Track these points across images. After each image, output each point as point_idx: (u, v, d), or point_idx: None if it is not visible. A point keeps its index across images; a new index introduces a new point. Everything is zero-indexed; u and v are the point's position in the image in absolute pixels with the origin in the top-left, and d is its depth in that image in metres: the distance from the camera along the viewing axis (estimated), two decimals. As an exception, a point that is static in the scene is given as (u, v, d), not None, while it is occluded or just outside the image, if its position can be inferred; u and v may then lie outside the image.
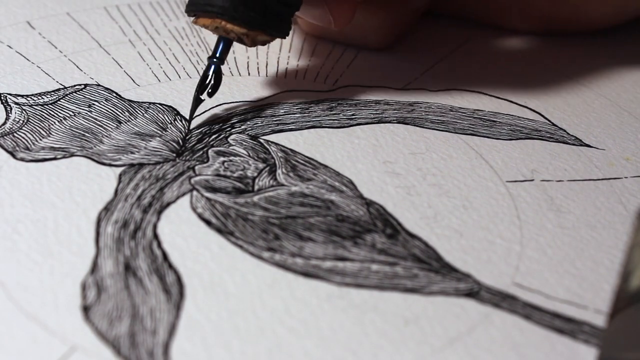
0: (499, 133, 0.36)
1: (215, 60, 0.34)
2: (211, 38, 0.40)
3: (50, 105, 0.34)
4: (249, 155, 0.33)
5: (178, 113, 0.35)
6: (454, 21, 0.44)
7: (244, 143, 0.33)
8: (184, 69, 0.37)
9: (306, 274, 0.28)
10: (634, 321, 0.23)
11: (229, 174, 0.32)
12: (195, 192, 0.31)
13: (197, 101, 0.34)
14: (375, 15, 0.38)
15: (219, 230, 0.29)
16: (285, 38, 0.34)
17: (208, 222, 0.29)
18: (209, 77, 0.34)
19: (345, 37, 0.39)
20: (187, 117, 0.34)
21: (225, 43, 0.34)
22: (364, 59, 0.40)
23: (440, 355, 0.26)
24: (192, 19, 0.34)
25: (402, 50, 0.41)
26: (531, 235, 0.30)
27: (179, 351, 0.25)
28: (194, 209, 0.30)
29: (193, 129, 0.34)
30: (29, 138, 0.32)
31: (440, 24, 0.43)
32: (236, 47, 0.39)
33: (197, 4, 0.33)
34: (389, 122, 0.35)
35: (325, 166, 0.33)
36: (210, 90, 0.34)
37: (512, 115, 0.37)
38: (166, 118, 0.34)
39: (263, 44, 0.34)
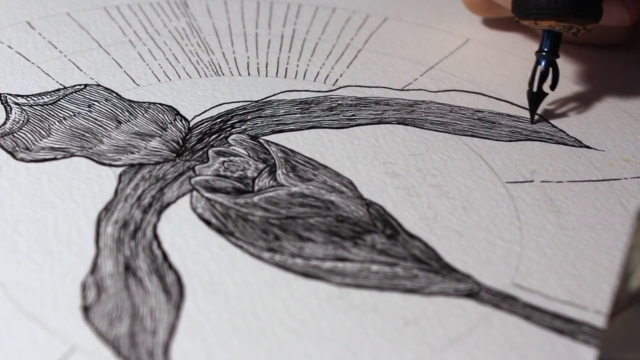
0: (498, 134, 0.36)
1: (545, 54, 0.36)
2: (211, 38, 0.40)
3: (50, 106, 0.34)
4: (249, 156, 0.33)
5: (178, 113, 0.35)
6: (454, 22, 0.44)
7: (244, 143, 0.33)
8: (184, 69, 0.37)
9: (306, 275, 0.28)
10: (634, 321, 0.23)
11: (229, 174, 0.32)
12: (195, 193, 0.31)
13: (537, 97, 0.36)
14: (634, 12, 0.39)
15: (219, 231, 0.29)
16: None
17: (208, 223, 0.29)
18: (543, 71, 0.36)
19: (588, 35, 0.39)
20: (189, 117, 0.34)
21: (555, 37, 0.36)
22: (364, 59, 0.40)
23: (440, 355, 0.26)
24: (519, 19, 0.35)
25: (402, 51, 0.41)
26: (531, 236, 0.30)
27: (179, 351, 0.25)
28: (194, 209, 0.30)
29: (193, 129, 0.34)
30: (29, 138, 0.32)
31: (440, 25, 0.43)
32: (237, 47, 0.39)
33: (543, 7, 0.34)
34: (389, 122, 0.35)
35: (325, 167, 0.33)
36: (551, 83, 0.36)
37: (512, 117, 0.37)
38: (166, 118, 0.34)
39: (590, 30, 0.36)
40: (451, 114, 0.36)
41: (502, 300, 0.28)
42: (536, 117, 0.37)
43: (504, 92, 0.38)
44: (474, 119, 0.36)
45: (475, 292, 0.28)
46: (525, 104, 0.38)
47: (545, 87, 0.36)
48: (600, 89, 0.40)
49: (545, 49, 0.36)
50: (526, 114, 0.37)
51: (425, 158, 0.34)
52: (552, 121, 0.37)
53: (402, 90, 0.38)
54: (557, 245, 0.30)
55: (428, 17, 0.44)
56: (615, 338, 0.24)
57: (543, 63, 0.36)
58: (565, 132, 0.36)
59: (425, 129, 0.35)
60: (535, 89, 0.36)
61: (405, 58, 0.40)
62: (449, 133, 0.35)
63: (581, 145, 0.36)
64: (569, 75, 0.40)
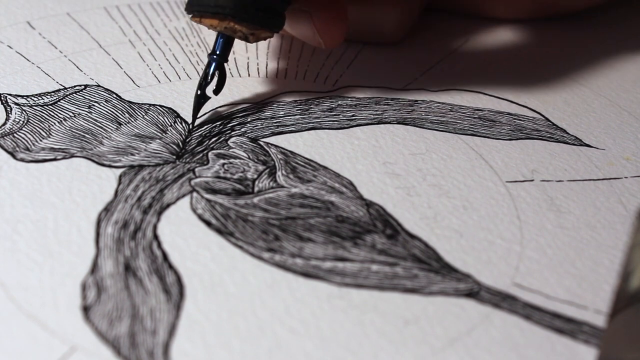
0: (498, 133, 0.36)
1: (215, 57, 0.34)
2: (211, 38, 0.40)
3: (50, 106, 0.34)
4: (249, 158, 0.33)
5: (178, 115, 0.35)
6: (454, 21, 0.44)
7: (244, 145, 0.33)
8: (184, 69, 0.37)
9: (306, 275, 0.28)
10: (634, 321, 0.23)
11: (228, 176, 0.32)
12: (195, 194, 0.31)
13: (199, 99, 0.34)
14: (391, 10, 0.39)
15: (219, 231, 0.29)
16: (278, 32, 0.35)
17: (208, 223, 0.29)
18: (209, 74, 0.34)
19: (359, 34, 0.40)
20: (189, 120, 0.34)
21: (226, 40, 0.34)
22: (364, 59, 0.40)
23: (440, 355, 0.26)
24: (190, 16, 0.34)
25: (402, 51, 0.41)
26: (531, 235, 0.30)
27: (179, 351, 0.25)
28: (194, 210, 0.30)
29: (194, 129, 0.34)
30: (29, 138, 0.32)
31: (439, 25, 0.43)
32: (236, 47, 0.39)
33: (204, 4, 0.33)
34: (389, 122, 0.35)
35: (325, 167, 0.33)
36: (215, 88, 0.34)
37: (512, 115, 0.37)
38: (166, 120, 0.34)
39: (265, 39, 0.34)
40: (451, 113, 0.36)
41: (502, 300, 0.28)
42: (532, 115, 0.37)
43: (504, 90, 0.38)
44: (474, 118, 0.36)
45: (476, 291, 0.28)
46: (525, 102, 0.38)
47: (210, 91, 0.35)
48: (601, 88, 0.40)
49: (217, 52, 0.34)
50: (527, 113, 0.37)
51: (425, 158, 0.34)
52: (552, 119, 0.37)
53: (402, 90, 0.38)
54: (557, 245, 0.30)
55: (428, 17, 0.44)
56: (615, 338, 0.24)
57: (213, 66, 0.34)
58: (565, 131, 0.36)
59: (425, 128, 0.35)
60: (200, 91, 0.34)
61: (405, 58, 0.40)
62: (449, 132, 0.35)
63: (581, 143, 0.36)
64: (570, 74, 0.40)
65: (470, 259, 0.29)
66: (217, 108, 0.35)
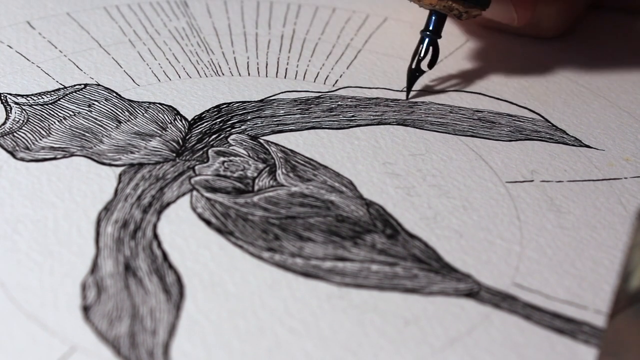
0: (498, 134, 0.36)
1: (429, 33, 0.36)
2: (211, 38, 0.40)
3: (50, 105, 0.34)
4: (249, 156, 0.33)
5: (178, 113, 0.35)
6: (454, 22, 0.44)
7: (244, 143, 0.33)
8: (184, 69, 0.37)
9: (306, 274, 0.28)
10: (634, 321, 0.23)
11: (228, 174, 0.32)
12: (195, 192, 0.31)
13: (415, 73, 0.37)
14: (551, 4, 0.40)
15: (218, 230, 0.29)
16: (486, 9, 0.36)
17: (208, 222, 0.29)
18: (424, 49, 0.37)
19: (518, 26, 0.40)
20: (189, 117, 0.34)
21: (439, 17, 0.36)
22: (364, 60, 0.40)
23: (440, 355, 0.26)
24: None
25: (402, 51, 0.41)
26: (531, 235, 0.30)
27: (179, 351, 0.25)
28: (194, 209, 0.30)
29: (194, 128, 0.34)
30: (29, 138, 0.32)
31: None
32: (236, 47, 0.39)
33: None
34: (389, 123, 0.35)
35: (325, 167, 0.33)
36: (429, 62, 0.37)
37: (512, 117, 0.37)
38: (166, 118, 0.34)
39: (474, 17, 0.36)
40: (451, 114, 0.36)
41: (502, 300, 0.28)
42: (532, 116, 0.37)
43: (503, 92, 0.38)
44: (474, 119, 0.36)
45: (475, 291, 0.28)
46: (525, 103, 0.38)
47: (424, 66, 0.37)
48: (601, 89, 0.40)
49: (430, 28, 0.37)
50: (527, 114, 0.37)
51: (425, 158, 0.34)
52: (552, 120, 0.37)
53: (402, 90, 0.38)
54: (557, 245, 0.30)
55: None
56: (615, 338, 0.24)
57: (426, 42, 0.37)
58: (565, 132, 0.36)
59: (425, 129, 0.35)
60: (414, 65, 0.37)
61: (405, 58, 0.40)
62: (448, 133, 0.35)
63: (581, 144, 0.36)
64: (570, 75, 0.40)
65: (470, 259, 0.29)
66: (217, 107, 0.35)
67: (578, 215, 0.31)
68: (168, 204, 0.30)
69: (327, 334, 0.26)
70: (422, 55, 0.37)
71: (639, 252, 0.23)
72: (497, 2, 0.37)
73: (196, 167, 0.32)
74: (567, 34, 0.42)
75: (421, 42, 0.37)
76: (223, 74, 0.37)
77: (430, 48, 0.37)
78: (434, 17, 0.36)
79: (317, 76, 0.38)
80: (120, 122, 0.34)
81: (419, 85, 0.38)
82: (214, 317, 0.26)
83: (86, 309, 0.26)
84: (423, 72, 0.37)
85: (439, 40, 0.37)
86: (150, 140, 0.33)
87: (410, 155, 0.34)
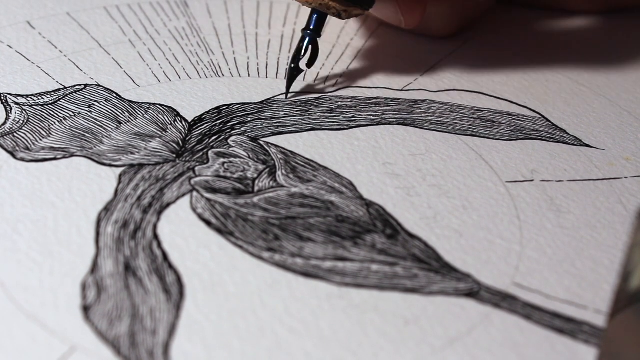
0: (498, 133, 0.36)
1: (309, 32, 0.36)
2: (211, 38, 0.40)
3: (50, 106, 0.34)
4: (249, 157, 0.33)
5: (178, 114, 0.35)
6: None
7: (244, 145, 0.33)
8: (184, 69, 0.37)
9: (306, 274, 0.28)
10: (634, 321, 0.23)
11: (228, 175, 0.32)
12: (195, 193, 0.31)
13: (293, 72, 0.36)
14: (440, 4, 0.40)
15: (219, 231, 0.29)
16: (368, 10, 0.36)
17: (208, 223, 0.29)
18: (303, 48, 0.36)
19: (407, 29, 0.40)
20: (189, 118, 0.34)
21: (319, 16, 0.36)
22: (364, 60, 0.40)
23: (440, 355, 0.26)
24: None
25: (402, 51, 0.41)
26: (531, 235, 0.30)
27: (179, 351, 0.25)
28: (194, 210, 0.30)
29: (195, 129, 0.34)
30: (29, 138, 0.32)
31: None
32: (236, 47, 0.39)
33: None
34: (389, 123, 0.35)
35: (325, 168, 0.33)
36: (307, 61, 0.36)
37: (512, 116, 0.37)
38: (166, 119, 0.34)
39: (356, 16, 0.36)
40: (451, 113, 0.36)
41: (502, 300, 0.28)
42: (532, 115, 0.37)
43: (504, 91, 0.38)
44: (474, 119, 0.36)
45: (475, 291, 0.28)
46: (525, 102, 0.38)
47: (303, 65, 0.37)
48: (601, 88, 0.40)
49: (311, 27, 0.36)
50: (527, 113, 0.37)
51: (425, 158, 0.34)
52: (552, 120, 0.37)
53: (402, 90, 0.38)
54: (557, 245, 0.30)
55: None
56: (615, 338, 0.24)
57: (306, 41, 0.36)
58: (565, 131, 0.36)
59: (425, 129, 0.35)
60: (293, 64, 0.36)
61: (405, 58, 0.40)
62: (448, 133, 0.35)
63: (581, 144, 0.36)
64: (570, 74, 0.40)
65: (470, 258, 0.29)
66: (216, 108, 0.35)
67: (578, 214, 0.31)
68: (168, 205, 0.30)
69: (327, 334, 0.26)
70: (302, 54, 0.36)
71: (639, 252, 0.23)
72: (383, 3, 0.37)
73: (196, 168, 0.32)
74: (460, 33, 0.42)
75: (302, 40, 0.36)
76: (223, 75, 0.37)
77: (310, 47, 0.36)
78: (314, 16, 0.36)
79: (317, 76, 0.38)
80: (120, 123, 0.34)
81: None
82: (214, 317, 0.26)
83: (86, 309, 0.26)
84: (302, 70, 0.36)
85: (319, 39, 0.36)
86: (151, 141, 0.33)
87: (410, 155, 0.34)
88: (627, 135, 0.36)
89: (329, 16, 0.36)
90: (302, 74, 0.37)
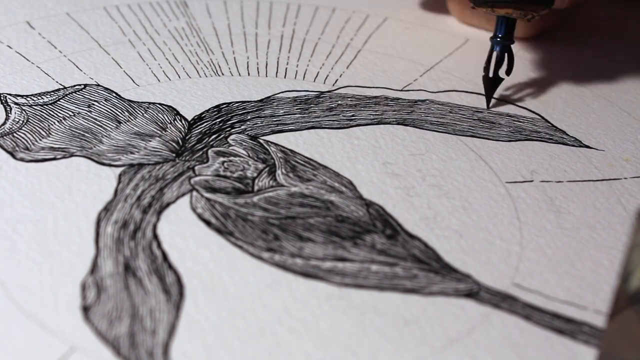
0: (498, 134, 0.36)
1: (500, 39, 0.36)
2: (211, 38, 0.40)
3: (50, 106, 0.34)
4: (249, 156, 0.33)
5: (178, 113, 0.35)
6: (454, 21, 0.44)
7: (244, 143, 0.33)
8: (184, 69, 0.37)
9: (306, 275, 0.28)
10: (634, 321, 0.23)
11: (228, 174, 0.32)
12: (195, 193, 0.31)
13: (495, 80, 0.37)
14: None
15: (218, 231, 0.29)
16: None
17: (208, 223, 0.29)
18: (499, 57, 0.36)
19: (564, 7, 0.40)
20: (189, 117, 0.34)
21: (509, 23, 0.36)
22: (364, 59, 0.40)
23: (440, 355, 0.26)
24: (474, 5, 0.36)
25: (402, 51, 0.41)
26: (531, 236, 0.30)
27: (179, 351, 0.25)
28: (194, 209, 0.30)
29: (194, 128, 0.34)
30: (29, 138, 0.32)
31: (440, 25, 0.43)
32: (236, 47, 0.39)
33: None
34: (389, 123, 0.35)
35: (325, 167, 0.33)
36: (507, 69, 0.37)
37: (512, 117, 0.37)
38: (166, 118, 0.34)
39: (540, 16, 0.36)
40: (451, 114, 0.36)
41: (502, 300, 0.28)
42: (532, 116, 0.37)
43: (503, 92, 0.38)
44: (474, 119, 0.36)
45: (475, 292, 0.28)
46: (525, 103, 0.38)
47: (502, 73, 0.37)
48: (601, 89, 0.40)
49: (500, 35, 0.36)
50: (527, 114, 0.37)
51: (425, 158, 0.34)
52: (552, 121, 0.37)
53: (402, 90, 0.38)
54: (557, 245, 0.30)
55: (428, 17, 0.44)
56: (615, 338, 0.24)
57: (498, 49, 0.37)
58: (565, 132, 0.36)
59: (425, 129, 0.35)
60: (491, 74, 0.37)
61: (405, 58, 0.40)
62: (448, 133, 0.35)
63: (581, 145, 0.36)
64: (570, 76, 0.40)
65: (470, 259, 0.29)
66: (216, 107, 0.35)
67: (578, 215, 0.31)
68: (168, 205, 0.30)
69: (327, 334, 0.26)
70: (499, 63, 0.36)
71: (639, 252, 0.23)
72: None
73: (196, 168, 0.32)
74: (540, 36, 0.42)
75: (493, 49, 0.37)
76: (223, 74, 0.37)
77: (506, 55, 0.37)
78: (503, 24, 0.36)
79: (316, 76, 0.38)
80: (120, 123, 0.34)
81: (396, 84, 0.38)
82: (214, 317, 0.26)
83: (86, 309, 0.26)
84: (502, 79, 0.37)
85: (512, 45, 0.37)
86: (150, 141, 0.33)
87: (410, 155, 0.34)
88: (626, 136, 0.36)
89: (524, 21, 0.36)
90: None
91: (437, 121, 0.36)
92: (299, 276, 0.28)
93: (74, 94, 0.35)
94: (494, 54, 0.37)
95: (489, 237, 0.30)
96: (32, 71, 0.36)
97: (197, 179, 0.31)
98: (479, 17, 0.42)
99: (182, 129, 0.34)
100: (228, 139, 0.33)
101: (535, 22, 0.40)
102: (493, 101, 0.37)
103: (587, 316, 0.27)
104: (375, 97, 0.37)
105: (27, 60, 0.37)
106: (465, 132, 0.35)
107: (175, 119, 0.34)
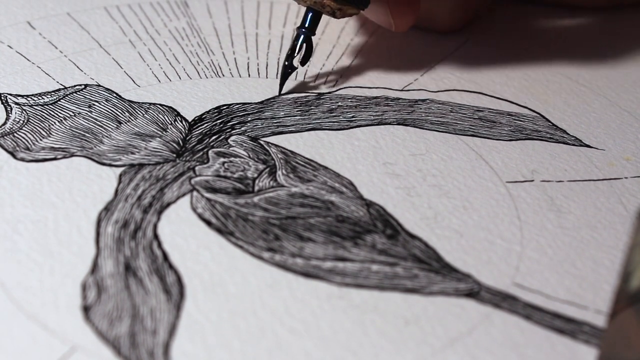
0: (499, 134, 0.36)
1: (304, 30, 0.36)
2: (211, 38, 0.40)
3: (50, 106, 0.34)
4: (249, 157, 0.33)
5: (178, 114, 0.35)
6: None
7: (244, 144, 0.33)
8: (184, 69, 0.37)
9: (306, 275, 0.28)
10: (634, 321, 0.23)
11: (229, 174, 0.32)
12: (195, 193, 0.31)
13: (287, 69, 0.36)
14: (442, 2, 0.40)
15: (219, 231, 0.29)
16: (363, 10, 0.36)
17: (208, 223, 0.29)
18: (297, 46, 0.36)
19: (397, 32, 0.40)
20: (189, 117, 0.34)
21: (314, 14, 0.36)
22: (364, 60, 0.40)
23: (441, 355, 0.26)
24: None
25: (402, 51, 0.41)
26: (531, 235, 0.30)
27: (179, 351, 0.25)
28: (194, 209, 0.30)
29: (194, 129, 0.34)
30: (29, 138, 0.32)
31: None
32: (236, 47, 0.39)
33: None
34: (389, 123, 0.35)
35: (326, 167, 0.33)
36: (302, 59, 0.36)
37: (512, 116, 0.37)
38: (166, 118, 0.34)
39: (350, 15, 0.36)
40: (451, 114, 0.36)
41: (503, 300, 0.28)
42: (532, 115, 0.37)
43: (504, 91, 0.38)
44: (474, 119, 0.36)
45: (476, 291, 0.28)
46: (526, 102, 0.38)
47: (297, 62, 0.37)
48: (601, 88, 0.40)
49: (306, 25, 0.36)
50: (527, 113, 0.37)
51: (425, 158, 0.34)
52: (552, 120, 0.37)
53: (402, 90, 0.38)
54: (557, 245, 0.30)
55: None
56: (615, 337, 0.24)
57: (300, 38, 0.36)
58: (565, 131, 0.36)
59: (425, 129, 0.35)
60: (287, 62, 0.37)
61: (405, 58, 0.40)
62: (449, 133, 0.35)
63: (581, 144, 0.36)
64: (570, 74, 0.40)
65: (470, 259, 0.29)
66: (217, 108, 0.35)
67: (578, 215, 0.31)
68: (168, 205, 0.30)
69: (327, 334, 0.26)
70: (296, 51, 0.36)
71: (639, 252, 0.23)
72: (375, 5, 0.36)
73: (196, 168, 0.32)
74: (466, 27, 0.42)
75: (296, 38, 0.36)
76: (223, 75, 0.37)
77: (304, 45, 0.36)
78: (309, 14, 0.36)
79: (317, 76, 0.38)
80: (120, 123, 0.34)
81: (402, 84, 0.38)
82: (214, 317, 0.26)
83: (86, 309, 0.26)
84: (295, 68, 0.37)
85: (313, 37, 0.36)
86: (151, 141, 0.33)
87: (410, 155, 0.34)
88: (627, 136, 0.36)
89: (329, 16, 0.36)
90: (295, 72, 0.37)
91: (437, 121, 0.36)
92: (299, 276, 0.28)
93: (74, 94, 0.35)
94: (297, 43, 0.36)
95: (489, 237, 0.30)
96: (32, 71, 0.36)
97: (197, 179, 0.31)
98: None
99: (183, 130, 0.34)
100: (228, 140, 0.33)
101: (455, 14, 0.40)
102: (286, 87, 0.37)
103: (587, 316, 0.27)
104: (376, 97, 0.37)
105: (28, 60, 0.37)
106: (465, 132, 0.35)
107: (175, 120, 0.34)
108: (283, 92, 0.37)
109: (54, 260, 0.27)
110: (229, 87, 0.36)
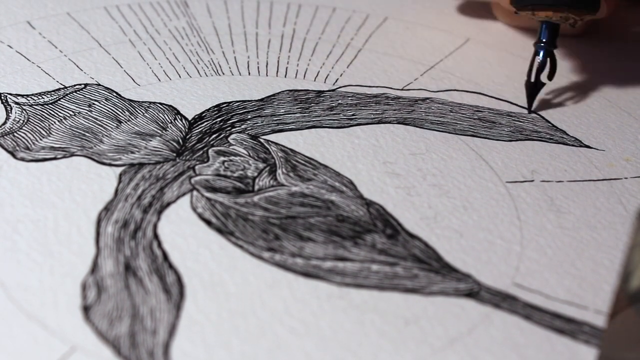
0: (499, 134, 0.36)
1: (543, 44, 0.37)
2: (211, 37, 0.40)
3: (50, 105, 0.34)
4: (249, 155, 0.33)
5: (178, 112, 0.35)
6: (454, 21, 0.44)
7: (244, 143, 0.33)
8: (184, 68, 0.37)
9: (306, 274, 0.28)
10: (634, 321, 0.23)
11: (229, 173, 0.32)
12: (195, 192, 0.31)
13: (535, 85, 0.37)
14: None
15: (219, 230, 0.29)
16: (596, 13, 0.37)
17: (208, 222, 0.29)
18: (541, 62, 0.37)
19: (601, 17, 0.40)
20: (189, 116, 0.34)
21: (553, 28, 0.37)
22: (364, 59, 0.40)
23: (441, 355, 0.26)
24: (517, 10, 0.37)
25: (402, 51, 0.41)
26: (531, 235, 0.30)
27: (179, 351, 0.25)
28: (194, 209, 0.30)
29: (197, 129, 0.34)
30: (29, 138, 0.32)
31: (440, 25, 0.43)
32: (236, 46, 0.39)
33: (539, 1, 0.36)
34: (389, 122, 0.35)
35: (326, 166, 0.33)
36: (549, 74, 0.37)
37: (512, 117, 0.37)
38: (166, 117, 0.34)
39: (584, 21, 0.37)
40: (451, 113, 0.36)
41: (503, 300, 0.28)
42: (534, 108, 0.37)
43: (504, 91, 0.38)
44: (474, 119, 0.36)
45: (476, 291, 0.28)
46: (526, 103, 0.38)
47: (544, 78, 0.37)
48: (601, 89, 0.40)
49: (544, 40, 0.37)
50: (526, 113, 0.37)
51: (425, 158, 0.34)
52: (552, 121, 0.37)
53: (402, 89, 0.38)
54: (557, 245, 0.30)
55: (428, 17, 0.44)
56: (615, 338, 0.24)
57: (541, 54, 0.37)
58: (565, 132, 0.36)
59: (426, 128, 0.35)
60: (533, 79, 0.37)
61: (405, 58, 0.40)
62: (449, 133, 0.35)
63: (581, 144, 0.36)
64: (570, 75, 0.40)
65: (470, 259, 0.29)
66: (217, 106, 0.35)
67: (578, 215, 0.31)
68: (168, 204, 0.30)
69: (327, 334, 0.26)
70: (541, 68, 0.37)
71: (639, 252, 0.23)
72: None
73: (196, 167, 0.32)
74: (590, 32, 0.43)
75: (536, 54, 0.37)
76: (223, 74, 0.37)
77: (548, 60, 0.37)
78: (547, 29, 0.36)
79: (317, 75, 0.38)
80: (120, 122, 0.34)
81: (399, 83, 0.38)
82: (214, 317, 0.26)
83: (86, 309, 0.26)
84: (544, 84, 0.37)
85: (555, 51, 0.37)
86: (151, 140, 0.33)
87: (410, 155, 0.34)
88: (626, 136, 0.36)
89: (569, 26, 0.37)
90: (299, 73, 0.37)
91: (437, 120, 0.36)
92: (299, 276, 0.28)
93: (74, 93, 0.35)
94: (537, 59, 0.37)
95: (489, 237, 0.30)
96: (32, 71, 0.36)
97: (197, 178, 0.31)
98: (527, 20, 0.42)
99: (183, 129, 0.34)
100: (228, 139, 0.33)
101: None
102: (534, 107, 0.37)
103: (587, 316, 0.27)
104: (376, 96, 0.37)
105: (28, 60, 0.37)
106: (465, 132, 0.35)
107: (175, 119, 0.34)
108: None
109: (53, 260, 0.27)
110: (228, 85, 0.36)
